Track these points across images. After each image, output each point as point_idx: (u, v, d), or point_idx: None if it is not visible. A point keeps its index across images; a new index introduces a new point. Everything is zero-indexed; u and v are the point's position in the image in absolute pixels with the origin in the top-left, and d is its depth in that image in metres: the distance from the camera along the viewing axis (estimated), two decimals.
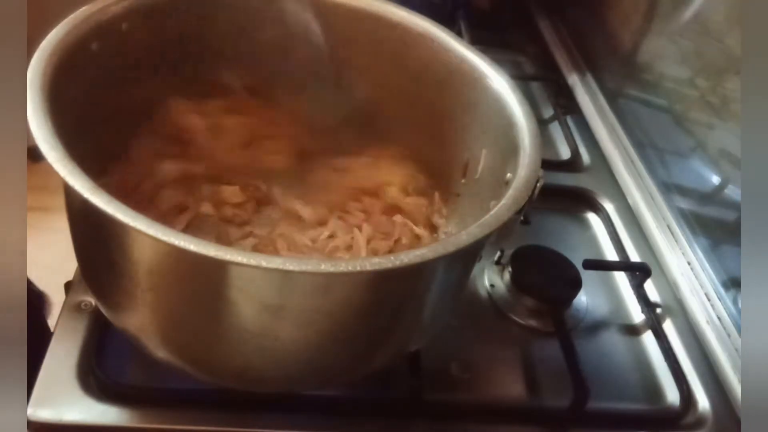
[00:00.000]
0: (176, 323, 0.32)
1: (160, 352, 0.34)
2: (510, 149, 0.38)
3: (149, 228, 0.26)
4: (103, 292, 0.36)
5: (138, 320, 0.34)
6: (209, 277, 0.28)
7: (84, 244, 0.34)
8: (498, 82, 0.40)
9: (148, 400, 0.38)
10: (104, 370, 0.39)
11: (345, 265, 0.27)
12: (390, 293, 0.31)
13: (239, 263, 0.26)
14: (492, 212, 0.32)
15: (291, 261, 0.26)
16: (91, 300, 0.42)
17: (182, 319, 0.32)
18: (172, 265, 0.29)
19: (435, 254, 0.28)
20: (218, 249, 0.26)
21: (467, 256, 0.33)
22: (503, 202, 0.32)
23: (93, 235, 0.32)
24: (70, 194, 0.32)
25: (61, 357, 0.39)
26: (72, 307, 0.42)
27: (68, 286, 0.44)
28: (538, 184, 0.34)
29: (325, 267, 0.26)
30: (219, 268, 0.27)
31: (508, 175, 0.37)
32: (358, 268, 0.26)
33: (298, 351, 0.32)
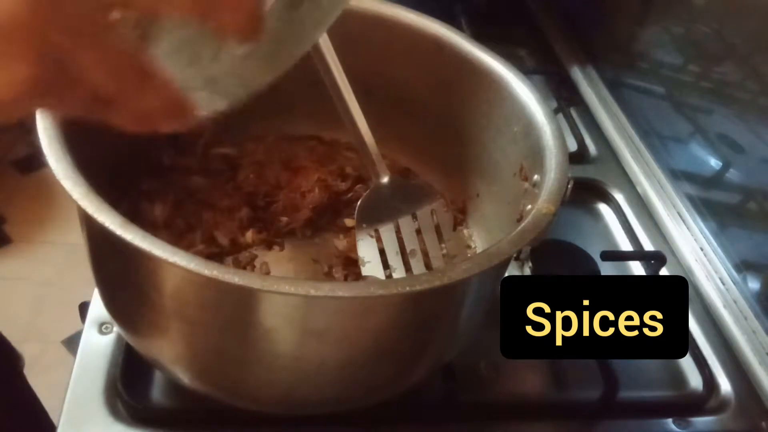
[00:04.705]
0: (215, 354, 0.31)
1: (196, 383, 0.33)
2: (533, 151, 0.38)
3: (189, 262, 0.25)
4: (133, 326, 0.34)
5: (173, 352, 0.33)
6: (253, 307, 0.28)
7: (111, 279, 0.33)
8: (516, 84, 0.40)
9: (180, 421, 0.38)
10: (132, 393, 0.38)
11: (395, 285, 0.26)
12: (436, 307, 0.31)
13: (287, 293, 0.25)
14: (528, 218, 0.32)
15: (340, 287, 0.26)
16: (111, 322, 0.41)
17: (222, 350, 0.31)
18: (213, 298, 0.28)
19: (480, 268, 0.28)
20: (264, 280, 0.25)
21: (505, 264, 0.33)
22: (538, 206, 0.32)
23: (123, 271, 0.31)
24: (94, 229, 0.31)
25: (87, 383, 0.38)
26: (92, 331, 0.41)
27: (83, 308, 0.43)
28: (569, 185, 0.34)
29: (374, 289, 0.26)
30: (264, 298, 0.27)
31: (536, 177, 0.37)
32: (408, 289, 0.26)
33: (342, 373, 0.32)
